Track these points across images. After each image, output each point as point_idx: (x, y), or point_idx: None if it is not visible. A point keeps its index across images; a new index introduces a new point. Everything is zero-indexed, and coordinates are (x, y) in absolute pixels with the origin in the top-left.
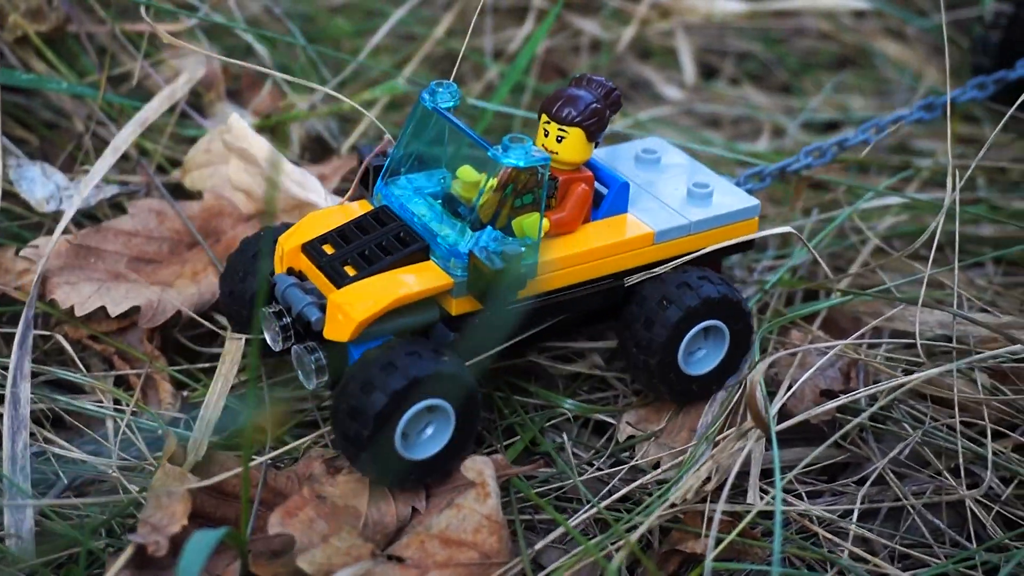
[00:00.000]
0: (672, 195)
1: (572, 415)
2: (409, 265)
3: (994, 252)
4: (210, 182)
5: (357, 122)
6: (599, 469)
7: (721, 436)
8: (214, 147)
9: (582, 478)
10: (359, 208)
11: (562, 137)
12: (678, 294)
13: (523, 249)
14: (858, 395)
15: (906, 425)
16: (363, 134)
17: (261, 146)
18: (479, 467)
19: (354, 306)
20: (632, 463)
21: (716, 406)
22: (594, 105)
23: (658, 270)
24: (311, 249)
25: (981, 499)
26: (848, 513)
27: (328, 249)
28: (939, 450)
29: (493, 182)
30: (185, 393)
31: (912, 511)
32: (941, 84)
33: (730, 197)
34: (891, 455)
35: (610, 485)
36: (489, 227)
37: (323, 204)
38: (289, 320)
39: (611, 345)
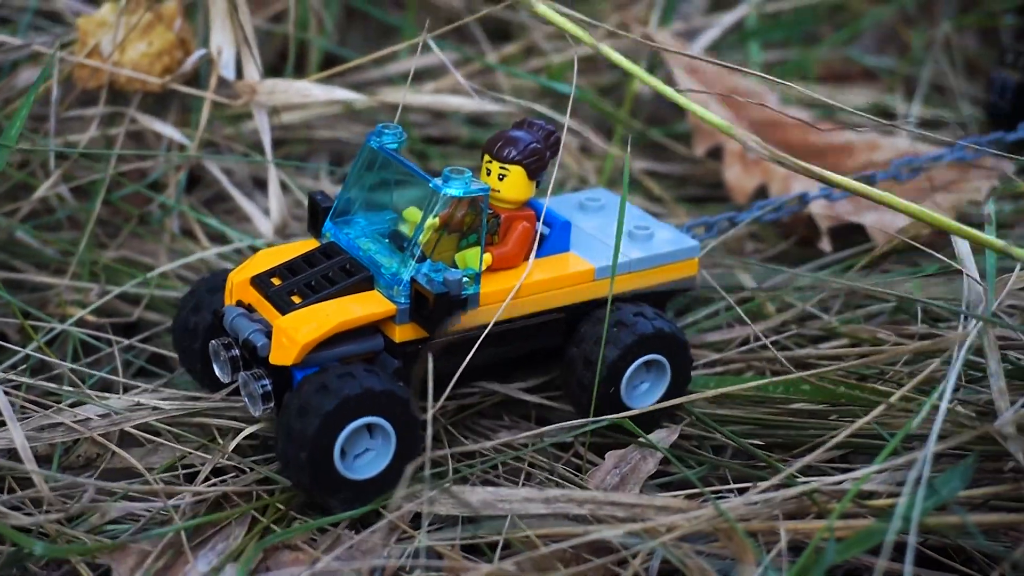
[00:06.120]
0: (613, 236)
1: None
2: (354, 294)
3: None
4: None
5: None
6: None
7: None
8: None
9: None
10: (308, 245)
11: (504, 175)
12: (614, 333)
13: (464, 276)
14: None
15: None
16: None
17: None
18: None
19: (299, 330)
20: None
21: None
22: (534, 145)
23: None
24: (259, 282)
25: None
26: None
27: (276, 281)
28: None
29: (435, 221)
30: None
31: None
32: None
33: (670, 238)
34: None
35: None
36: (429, 260)
37: None
38: (237, 352)
39: None
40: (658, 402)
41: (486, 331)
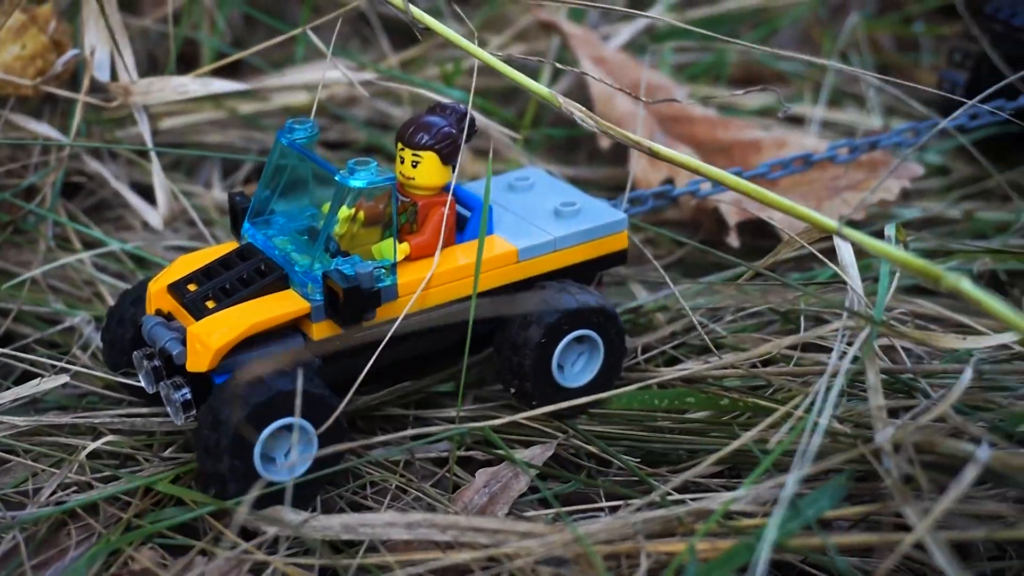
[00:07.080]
0: (539, 215)
1: None
2: (269, 294)
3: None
4: None
5: None
6: None
7: None
8: None
9: None
10: (227, 248)
11: (417, 162)
12: (538, 315)
13: (374, 267)
14: None
15: None
16: None
17: None
18: None
19: (211, 335)
20: None
21: None
22: (446, 129)
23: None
24: (176, 289)
25: None
26: None
27: (192, 287)
28: None
29: (347, 212)
30: None
31: None
32: None
33: (597, 213)
34: None
35: None
36: (341, 255)
37: None
38: (159, 362)
39: None
40: (596, 377)
41: (394, 325)
